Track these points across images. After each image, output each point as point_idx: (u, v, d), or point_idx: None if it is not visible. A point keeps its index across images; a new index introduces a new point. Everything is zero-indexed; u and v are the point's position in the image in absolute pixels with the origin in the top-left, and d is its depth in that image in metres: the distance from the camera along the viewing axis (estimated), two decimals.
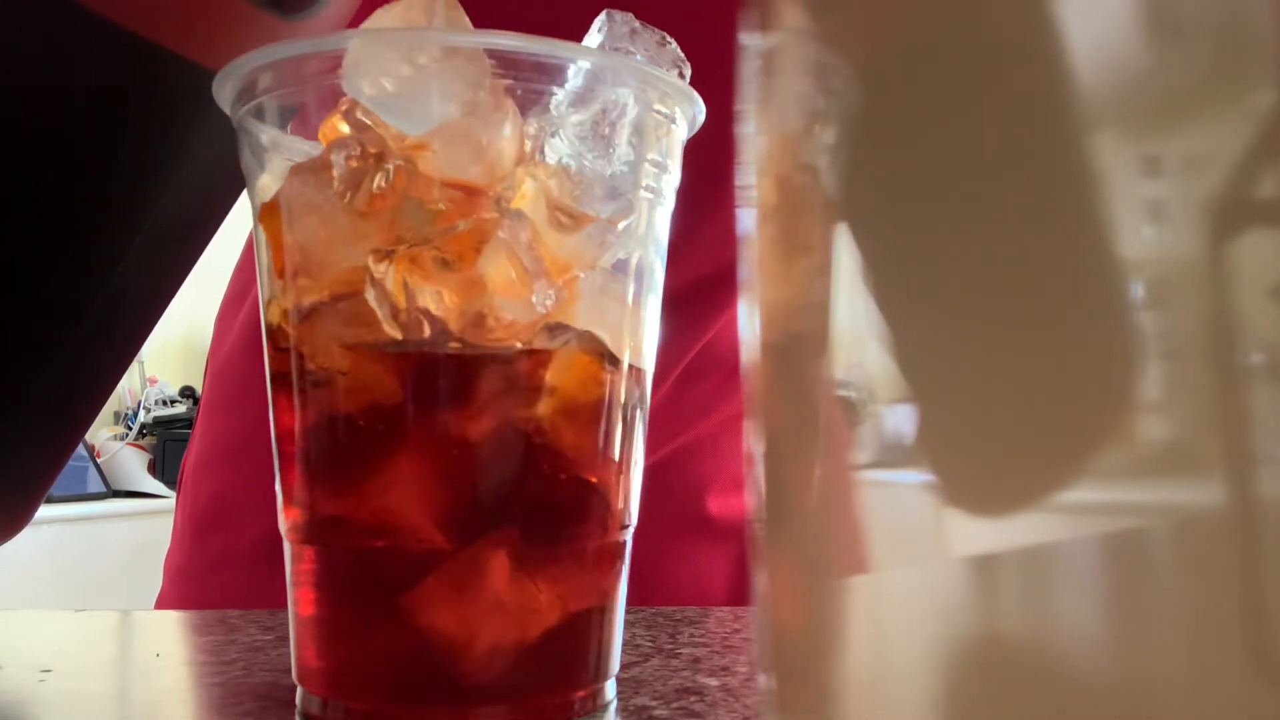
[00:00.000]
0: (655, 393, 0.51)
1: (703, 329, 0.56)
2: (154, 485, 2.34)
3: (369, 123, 0.26)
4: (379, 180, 0.26)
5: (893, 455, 0.12)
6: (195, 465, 0.59)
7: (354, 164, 0.26)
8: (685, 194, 0.31)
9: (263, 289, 0.30)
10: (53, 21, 0.31)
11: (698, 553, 0.58)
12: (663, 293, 0.31)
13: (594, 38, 0.30)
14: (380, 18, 0.27)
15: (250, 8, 0.30)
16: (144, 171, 0.34)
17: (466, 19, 0.28)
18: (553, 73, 0.27)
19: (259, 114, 0.29)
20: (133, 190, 0.34)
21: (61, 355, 0.35)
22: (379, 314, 0.26)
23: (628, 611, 0.32)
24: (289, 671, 0.30)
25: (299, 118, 0.28)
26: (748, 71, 0.15)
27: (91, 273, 0.34)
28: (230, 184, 0.34)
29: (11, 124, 0.32)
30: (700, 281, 0.52)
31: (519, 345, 0.26)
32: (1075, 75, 0.10)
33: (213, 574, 0.55)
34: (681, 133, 0.30)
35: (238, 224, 0.38)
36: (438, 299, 0.26)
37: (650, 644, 0.37)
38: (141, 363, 2.50)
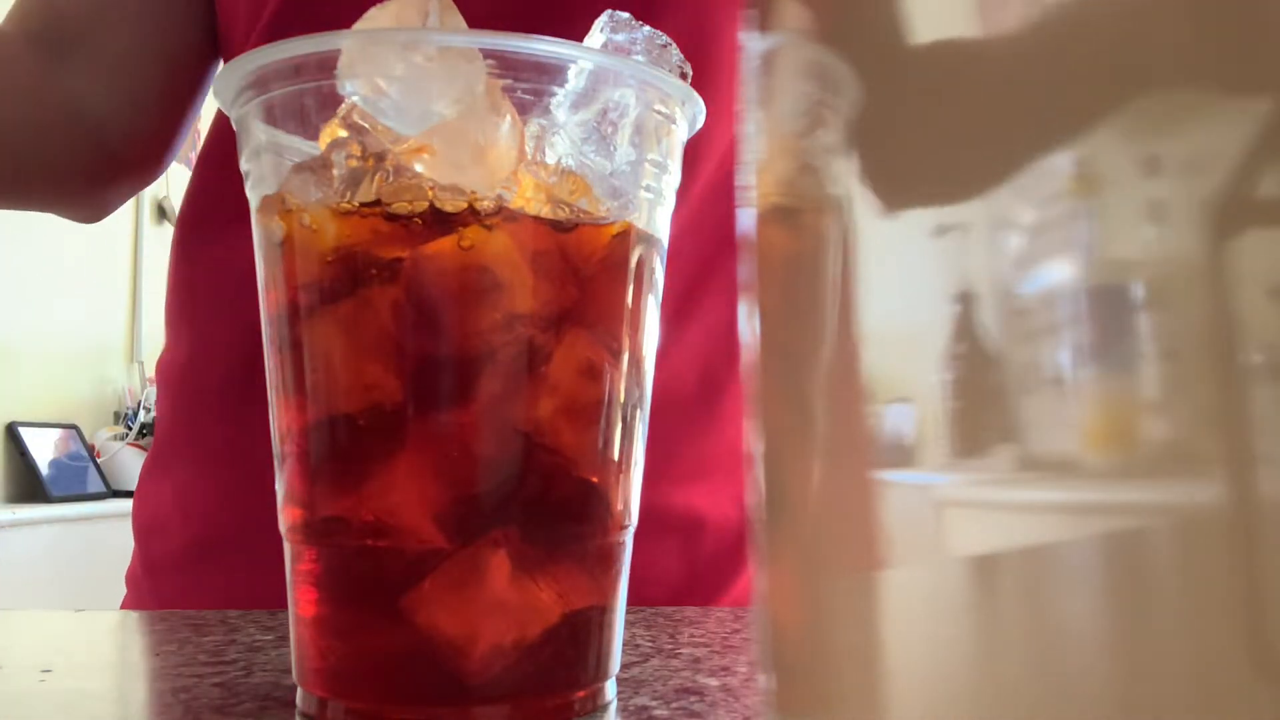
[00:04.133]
0: None
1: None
2: None
3: (366, 126, 0.26)
4: (379, 181, 0.26)
5: (893, 455, 0.12)
6: (142, 472, 0.59)
7: (354, 164, 0.26)
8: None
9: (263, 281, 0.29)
10: None
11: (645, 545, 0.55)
12: None
13: (595, 38, 0.30)
14: (374, 17, 0.27)
15: None
16: None
17: (461, 18, 0.28)
18: (553, 73, 0.27)
19: (259, 113, 0.29)
20: None
21: None
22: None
23: (628, 611, 0.32)
24: (289, 671, 0.30)
25: (299, 117, 0.28)
26: (748, 71, 0.15)
27: None
28: None
29: None
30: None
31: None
32: (1075, 75, 0.10)
33: (148, 580, 0.56)
34: (681, 133, 0.30)
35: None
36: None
37: (650, 644, 0.37)
38: (141, 363, 2.50)
